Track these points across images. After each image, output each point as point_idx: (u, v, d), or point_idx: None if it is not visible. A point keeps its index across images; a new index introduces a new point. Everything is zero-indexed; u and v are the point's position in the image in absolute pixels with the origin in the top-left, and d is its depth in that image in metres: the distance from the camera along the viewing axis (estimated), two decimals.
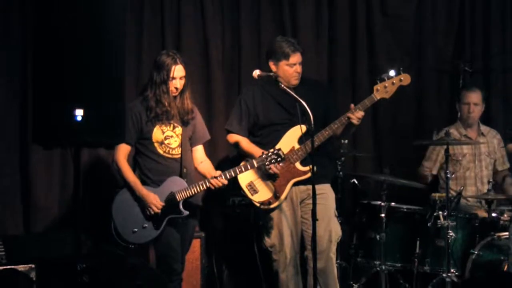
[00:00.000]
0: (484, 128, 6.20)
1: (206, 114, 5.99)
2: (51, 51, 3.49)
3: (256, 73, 4.79)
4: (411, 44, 6.74)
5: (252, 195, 5.05)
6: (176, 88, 4.82)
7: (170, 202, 4.78)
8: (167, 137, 4.85)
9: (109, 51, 3.62)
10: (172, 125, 4.87)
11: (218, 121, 6.06)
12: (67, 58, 3.51)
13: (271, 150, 4.79)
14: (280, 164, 4.87)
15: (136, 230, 4.75)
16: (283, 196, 5.06)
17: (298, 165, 5.06)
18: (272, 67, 5.06)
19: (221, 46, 6.22)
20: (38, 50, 3.58)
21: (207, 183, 4.79)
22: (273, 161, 4.78)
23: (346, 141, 5.63)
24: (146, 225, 4.76)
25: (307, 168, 5.00)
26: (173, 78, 4.79)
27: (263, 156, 4.78)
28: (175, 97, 4.85)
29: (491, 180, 5.77)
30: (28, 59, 5.37)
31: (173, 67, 4.77)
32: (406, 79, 5.04)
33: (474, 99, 6.04)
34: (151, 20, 5.99)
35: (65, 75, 3.50)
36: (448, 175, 5.45)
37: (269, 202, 5.05)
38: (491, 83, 6.74)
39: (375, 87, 5.04)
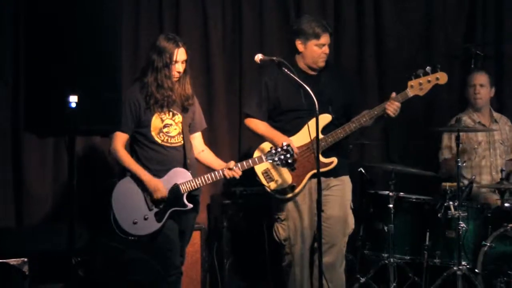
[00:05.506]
0: (496, 115, 6.08)
1: (206, 100, 5.87)
2: (43, 35, 3.36)
3: (258, 57, 4.62)
4: (421, 28, 6.60)
5: (267, 182, 4.87)
6: (179, 72, 4.67)
7: (174, 194, 4.61)
8: (166, 125, 4.68)
9: (104, 35, 3.48)
10: (171, 113, 4.70)
11: (218, 108, 5.96)
12: (60, 42, 3.37)
13: (281, 145, 4.63)
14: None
15: (137, 221, 4.56)
16: (300, 187, 4.87)
17: (320, 156, 4.85)
18: (299, 46, 4.89)
19: (222, 29, 6.05)
20: (30, 35, 3.44)
21: (221, 174, 4.65)
22: (281, 157, 4.62)
23: None
24: (148, 216, 4.57)
25: (329, 160, 4.85)
26: (176, 61, 4.63)
27: (272, 151, 4.64)
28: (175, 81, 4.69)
29: (504, 168, 5.61)
30: (20, 43, 5.23)
31: (175, 51, 4.61)
32: (442, 77, 4.88)
33: (480, 80, 5.91)
34: (149, 2, 5.82)
35: (58, 60, 3.36)
36: (459, 163, 5.31)
37: (285, 192, 4.87)
38: (504, 68, 6.60)
39: (409, 83, 4.89)
